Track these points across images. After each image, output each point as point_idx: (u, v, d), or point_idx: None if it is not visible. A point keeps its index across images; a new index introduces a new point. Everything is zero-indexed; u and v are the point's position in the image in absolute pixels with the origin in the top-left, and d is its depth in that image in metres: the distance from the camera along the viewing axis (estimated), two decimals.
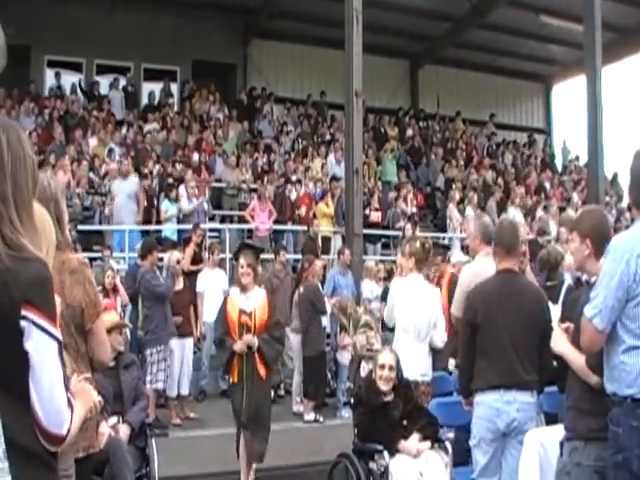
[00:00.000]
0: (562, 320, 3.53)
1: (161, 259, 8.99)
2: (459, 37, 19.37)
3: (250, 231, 12.87)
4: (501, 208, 15.41)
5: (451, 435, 5.12)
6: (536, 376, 4.13)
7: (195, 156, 14.39)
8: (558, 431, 3.46)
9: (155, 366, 8.11)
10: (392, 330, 6.08)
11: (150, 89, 17.61)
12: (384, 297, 8.73)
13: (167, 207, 12.20)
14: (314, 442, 7.68)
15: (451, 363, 6.12)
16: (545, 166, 20.12)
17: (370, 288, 10.58)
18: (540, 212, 15.37)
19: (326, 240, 13.08)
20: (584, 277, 3.53)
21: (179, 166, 13.52)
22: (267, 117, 17.44)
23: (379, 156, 17.07)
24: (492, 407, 4.13)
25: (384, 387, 5.00)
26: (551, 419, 4.36)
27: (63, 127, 14.08)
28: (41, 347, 1.70)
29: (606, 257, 2.99)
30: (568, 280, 5.02)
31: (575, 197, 17.38)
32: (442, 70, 20.68)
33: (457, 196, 15.56)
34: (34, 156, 1.88)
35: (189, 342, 8.99)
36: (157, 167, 13.57)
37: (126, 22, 16.60)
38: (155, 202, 12.68)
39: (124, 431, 5.18)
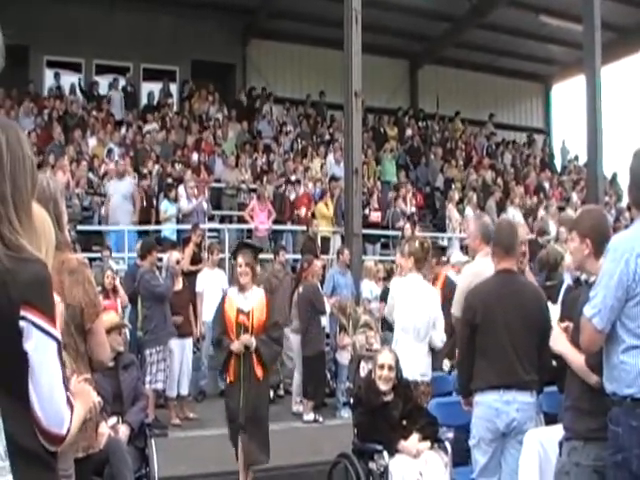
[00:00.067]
0: (561, 320, 3.53)
1: (160, 259, 8.98)
2: (459, 37, 19.37)
3: (249, 231, 12.87)
4: (500, 208, 15.39)
5: (451, 435, 5.12)
6: (535, 376, 4.13)
7: (194, 156, 14.39)
8: (557, 431, 3.47)
9: (154, 366, 8.11)
10: (391, 330, 6.08)
11: (149, 89, 17.61)
12: (383, 297, 8.74)
13: (166, 207, 12.20)
14: (314, 442, 7.68)
15: (445, 364, 6.13)
16: (544, 166, 20.13)
17: (369, 288, 10.57)
18: (542, 212, 15.37)
19: (325, 240, 13.08)
20: (583, 277, 3.53)
21: (178, 166, 13.52)
22: (266, 117, 17.43)
23: (378, 156, 17.06)
24: (491, 407, 4.13)
25: (384, 387, 4.99)
26: (550, 419, 4.36)
27: (62, 127, 14.08)
28: (40, 347, 1.70)
29: (605, 257, 3.00)
30: (567, 280, 5.02)
31: (574, 197, 17.38)
32: (442, 70, 20.69)
33: (456, 196, 15.57)
34: (33, 156, 1.88)
35: (188, 342, 8.99)
36: (156, 167, 13.59)
37: (125, 22, 16.61)
38: (154, 202, 12.69)
39: (124, 431, 5.18)
